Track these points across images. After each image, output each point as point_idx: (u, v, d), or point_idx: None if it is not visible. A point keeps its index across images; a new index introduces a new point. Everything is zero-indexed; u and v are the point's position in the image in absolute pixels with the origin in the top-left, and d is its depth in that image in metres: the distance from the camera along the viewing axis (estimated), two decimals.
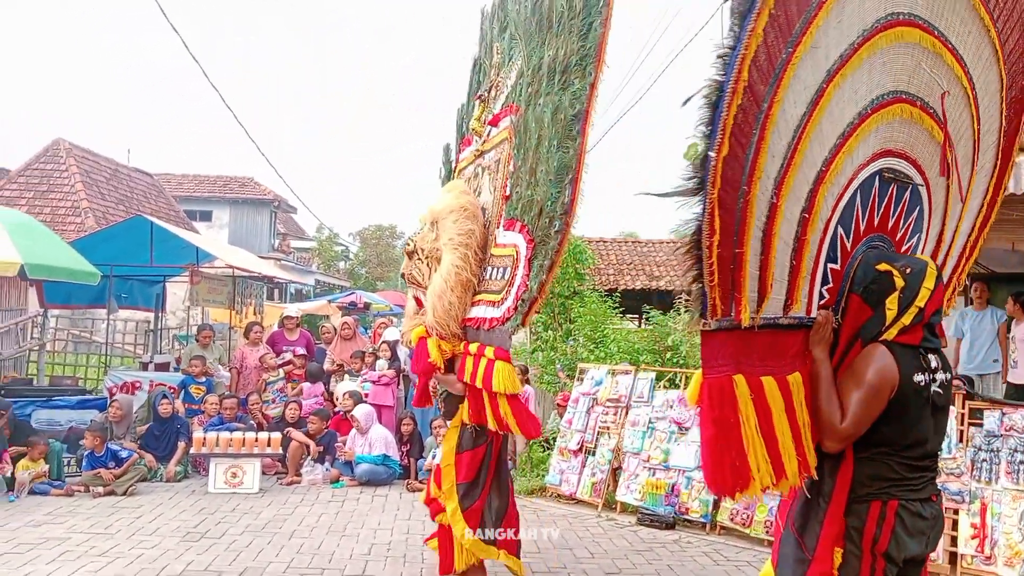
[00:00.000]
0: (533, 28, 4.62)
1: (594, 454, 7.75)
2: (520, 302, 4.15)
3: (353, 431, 8.50)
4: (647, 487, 7.16)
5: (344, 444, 8.52)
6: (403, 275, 5.16)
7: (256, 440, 7.97)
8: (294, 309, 13.00)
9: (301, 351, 10.17)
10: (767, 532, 6.43)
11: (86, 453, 7.81)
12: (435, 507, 5.05)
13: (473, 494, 4.76)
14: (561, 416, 8.80)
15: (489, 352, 4.34)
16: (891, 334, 2.72)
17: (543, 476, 8.25)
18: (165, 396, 8.72)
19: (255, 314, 14.02)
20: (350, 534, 6.37)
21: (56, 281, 9.70)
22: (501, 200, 4.67)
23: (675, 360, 9.75)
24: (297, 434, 8.56)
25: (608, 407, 7.86)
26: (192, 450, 8.12)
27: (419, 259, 4.94)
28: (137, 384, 9.49)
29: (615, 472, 7.59)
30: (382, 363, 9.70)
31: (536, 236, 4.15)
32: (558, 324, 13.85)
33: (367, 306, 23.14)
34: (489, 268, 4.67)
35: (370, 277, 44.81)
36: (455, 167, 5.94)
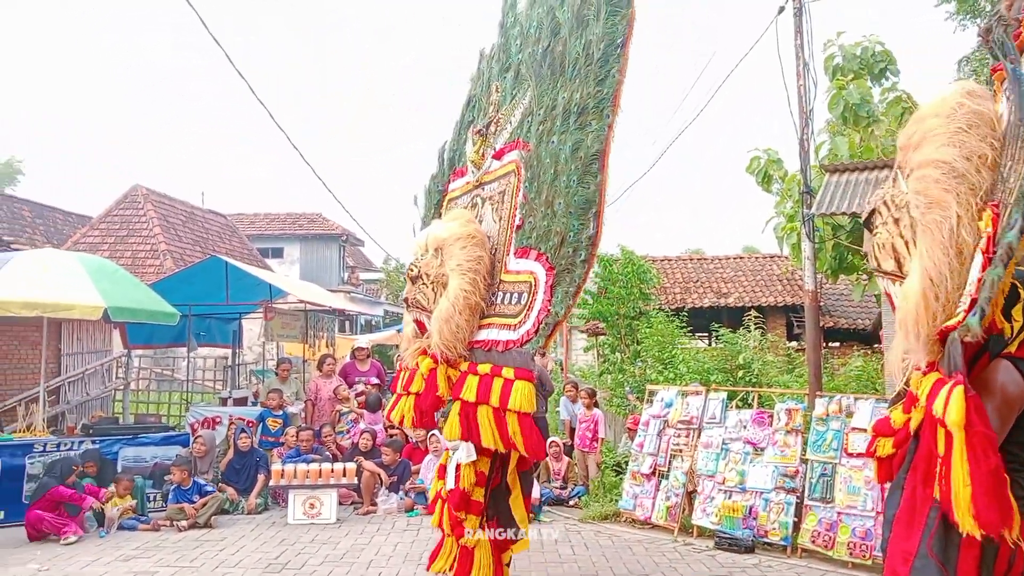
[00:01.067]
0: (545, 71, 5.02)
1: (667, 477, 7.66)
2: (543, 325, 4.48)
3: (427, 459, 8.58)
4: (723, 510, 7.03)
5: (418, 473, 8.61)
6: (406, 300, 5.22)
7: (332, 471, 8.12)
8: (365, 340, 13.25)
9: (374, 381, 10.35)
10: (850, 554, 6.24)
11: (172, 487, 8.07)
12: (459, 531, 4.99)
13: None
14: (632, 439, 8.73)
15: (508, 373, 4.58)
16: (1013, 347, 2.65)
17: (616, 501, 8.18)
18: (244, 430, 8.97)
19: (327, 347, 14.31)
20: (425, 563, 6.41)
21: (138, 323, 10.09)
22: (509, 229, 5.02)
23: (747, 379, 9.59)
24: (369, 464, 8.69)
25: (680, 429, 7.77)
26: (271, 482, 8.31)
27: (424, 284, 5.10)
28: (217, 419, 9.78)
29: (690, 495, 7.48)
30: None
31: (558, 264, 4.50)
32: (625, 346, 13.75)
33: None
34: (500, 293, 4.94)
35: None
36: (444, 197, 6.25)
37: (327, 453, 9.07)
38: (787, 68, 8.71)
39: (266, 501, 8.61)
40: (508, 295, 4.87)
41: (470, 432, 4.78)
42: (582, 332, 22.59)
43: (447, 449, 5.50)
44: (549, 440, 9.27)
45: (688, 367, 10.21)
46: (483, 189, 5.54)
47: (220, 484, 8.47)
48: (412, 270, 5.18)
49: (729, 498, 7.07)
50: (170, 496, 8.05)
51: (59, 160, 70.13)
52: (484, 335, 4.93)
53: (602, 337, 16.28)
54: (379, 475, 8.65)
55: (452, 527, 4.99)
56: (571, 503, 8.68)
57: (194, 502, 7.89)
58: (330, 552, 6.77)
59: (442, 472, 5.41)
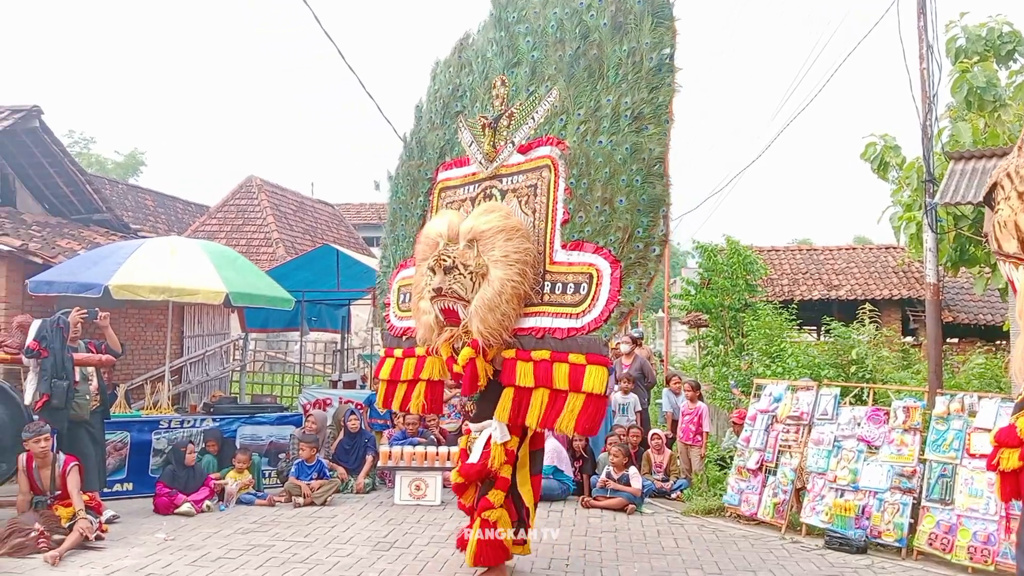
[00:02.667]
0: (580, 73, 5.23)
1: (775, 473, 7.48)
2: (612, 314, 4.84)
3: None
4: (835, 509, 6.82)
5: None
6: (437, 289, 5.30)
7: (437, 454, 8.30)
8: None
9: None
10: (971, 559, 5.96)
11: (297, 462, 8.41)
12: (484, 503, 5.38)
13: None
14: (737, 434, 8.57)
15: (577, 358, 4.94)
16: None
17: (720, 496, 8.06)
18: (353, 412, 9.26)
19: None
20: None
21: (256, 307, 10.56)
22: (550, 222, 5.28)
23: (860, 375, 9.26)
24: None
25: (789, 425, 7.57)
26: (379, 463, 8.57)
27: (460, 274, 5.26)
28: (328, 401, 10.14)
29: (798, 492, 7.29)
30: None
31: (626, 258, 4.85)
32: (729, 338, 13.50)
33: None
34: (548, 283, 5.22)
35: None
36: (433, 185, 6.35)
37: (432, 437, 9.27)
38: (909, 51, 8.34)
39: (374, 481, 8.88)
40: (560, 285, 5.16)
41: (519, 414, 5.19)
42: (683, 324, 22.28)
43: (467, 433, 5.81)
44: (651, 432, 9.20)
45: (797, 361, 9.93)
46: (501, 181, 5.72)
47: (331, 463, 8.78)
48: (445, 260, 5.30)
49: (841, 496, 6.85)
50: (292, 470, 8.38)
51: (178, 152, 73.87)
52: (533, 323, 5.23)
53: (704, 329, 16.02)
54: None
55: (478, 501, 5.39)
56: (673, 496, 8.60)
57: (313, 479, 8.21)
58: (435, 533, 6.93)
59: (463, 455, 5.75)
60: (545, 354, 5.10)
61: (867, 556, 6.39)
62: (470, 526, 5.57)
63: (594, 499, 8.07)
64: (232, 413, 9.20)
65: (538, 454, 5.86)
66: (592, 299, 4.95)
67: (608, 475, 8.09)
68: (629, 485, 7.96)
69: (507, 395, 5.28)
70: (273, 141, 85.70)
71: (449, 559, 6.11)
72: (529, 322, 5.25)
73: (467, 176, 6.06)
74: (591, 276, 4.99)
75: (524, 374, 5.16)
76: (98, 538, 6.37)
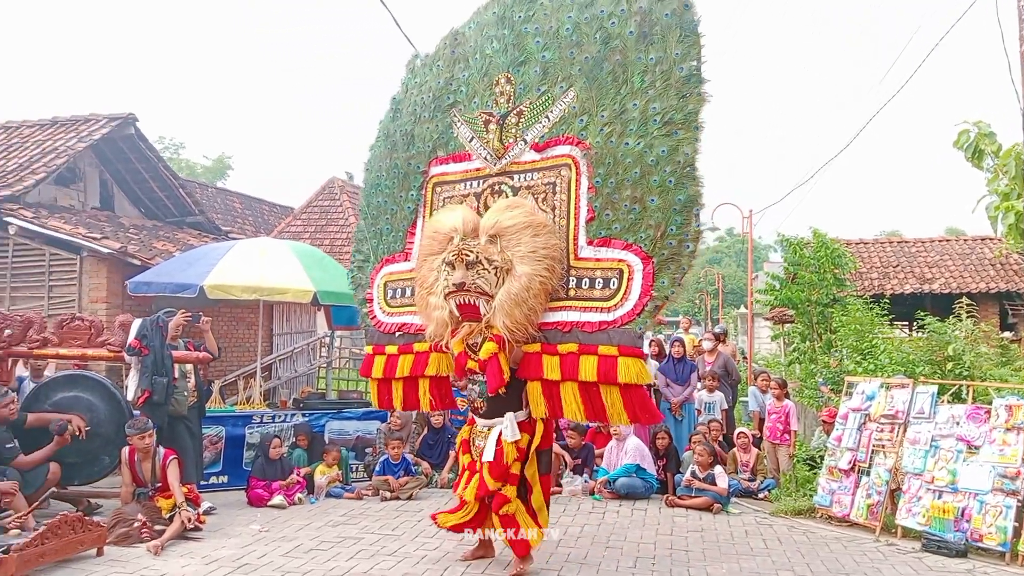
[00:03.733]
0: (604, 77, 5.33)
1: (868, 474, 7.25)
2: (645, 308, 5.03)
3: (610, 444, 8.61)
4: (932, 511, 6.57)
5: (602, 458, 8.67)
6: (460, 285, 5.32)
7: None
8: None
9: None
10: None
11: (383, 458, 8.58)
12: (499, 499, 5.47)
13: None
14: (827, 433, 8.34)
15: (607, 350, 5.07)
16: None
17: (810, 496, 7.85)
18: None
19: None
20: (614, 546, 6.46)
21: (341, 305, 10.79)
22: (573, 219, 5.39)
23: (958, 372, 8.86)
24: (555, 446, 8.81)
25: (883, 424, 7.33)
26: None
27: (484, 269, 5.30)
28: None
29: (893, 494, 7.04)
30: None
31: (658, 254, 5.04)
32: (817, 335, 13.12)
33: None
34: (574, 278, 5.34)
35: None
36: (427, 179, 6.25)
37: None
38: (1008, 33, 7.95)
39: (457, 476, 8.96)
40: (587, 280, 5.30)
41: (554, 408, 5.34)
42: (766, 320, 21.78)
43: (471, 424, 5.84)
44: (737, 431, 9.04)
45: (890, 358, 9.56)
46: (512, 178, 5.76)
47: (415, 458, 8.92)
48: (468, 255, 5.33)
49: (939, 498, 6.59)
50: (377, 468, 8.55)
51: (263, 155, 76.12)
52: (559, 317, 5.34)
53: (790, 325, 15.62)
54: (563, 457, 8.77)
55: (493, 498, 5.45)
56: (760, 496, 8.43)
57: (399, 476, 8.35)
58: None
59: (465, 446, 5.84)
60: (572, 347, 5.24)
61: (967, 560, 6.14)
62: (471, 524, 5.75)
63: (678, 498, 7.97)
64: (320, 408, 9.45)
65: (545, 454, 5.82)
66: (624, 293, 5.13)
67: (693, 474, 7.98)
68: (715, 484, 7.83)
69: (535, 390, 5.42)
70: (355, 142, 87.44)
71: (533, 554, 6.12)
72: (554, 317, 5.38)
73: (467, 172, 6.05)
74: (621, 271, 5.18)
75: (551, 368, 5.30)
76: (196, 529, 6.62)
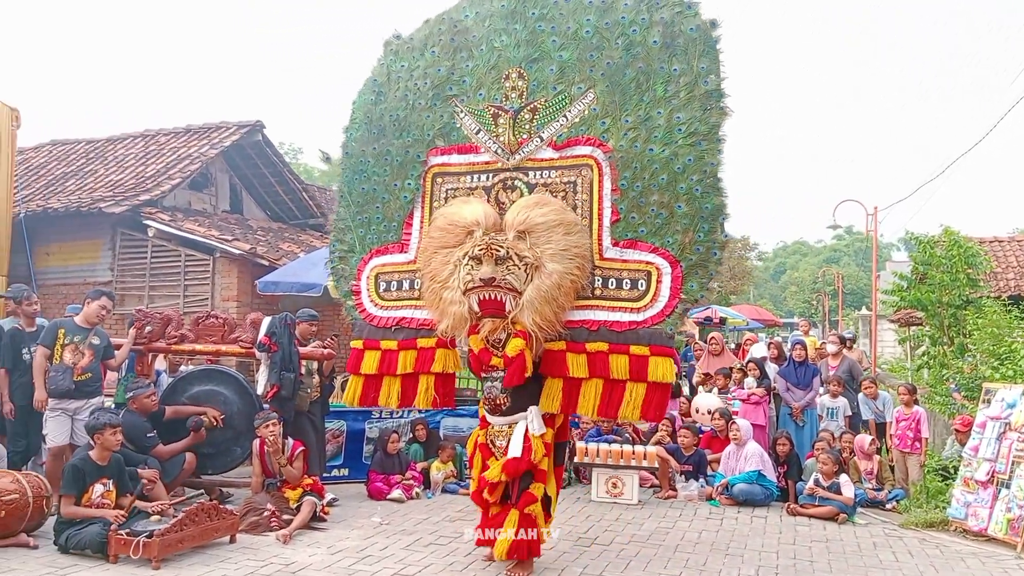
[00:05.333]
0: (628, 83, 5.45)
1: (1008, 486, 6.82)
2: (675, 309, 5.24)
3: (728, 448, 8.42)
4: None
5: (719, 463, 8.48)
6: (490, 279, 5.18)
7: (633, 453, 8.26)
8: None
9: None
10: None
11: None
12: (528, 497, 5.38)
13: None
14: (961, 442, 7.90)
15: (639, 350, 5.25)
16: None
17: (943, 508, 7.45)
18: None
19: None
20: (733, 553, 6.32)
21: None
22: (596, 219, 5.47)
23: None
24: (661, 450, 8.67)
25: None
26: (575, 459, 8.65)
27: (515, 264, 5.24)
28: None
29: None
30: (751, 381, 9.52)
31: (686, 259, 5.26)
32: (948, 338, 12.43)
33: (723, 320, 22.77)
34: (599, 278, 5.43)
35: (723, 291, 44.06)
36: (427, 169, 6.07)
37: (627, 435, 9.23)
38: None
39: (569, 476, 8.97)
40: (614, 280, 5.41)
41: (569, 404, 5.40)
42: (891, 322, 20.81)
43: (488, 425, 5.63)
44: (864, 437, 8.66)
45: None
46: (527, 174, 5.74)
47: None
48: (498, 250, 5.24)
49: None
50: None
51: None
52: (586, 315, 5.42)
53: (917, 328, 14.88)
54: (669, 461, 8.59)
55: (521, 496, 5.36)
56: (888, 506, 8.06)
57: None
58: (635, 532, 6.90)
59: (485, 451, 5.61)
60: (602, 346, 5.34)
61: None
62: (491, 523, 5.54)
63: (801, 506, 7.71)
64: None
65: (561, 447, 5.93)
66: (654, 295, 5.30)
67: (816, 482, 7.70)
68: (840, 493, 7.53)
69: (554, 386, 5.45)
70: None
71: (652, 559, 6.06)
72: (579, 315, 5.43)
73: (474, 164, 5.94)
74: (649, 273, 5.33)
75: (577, 365, 5.37)
76: (321, 519, 6.87)
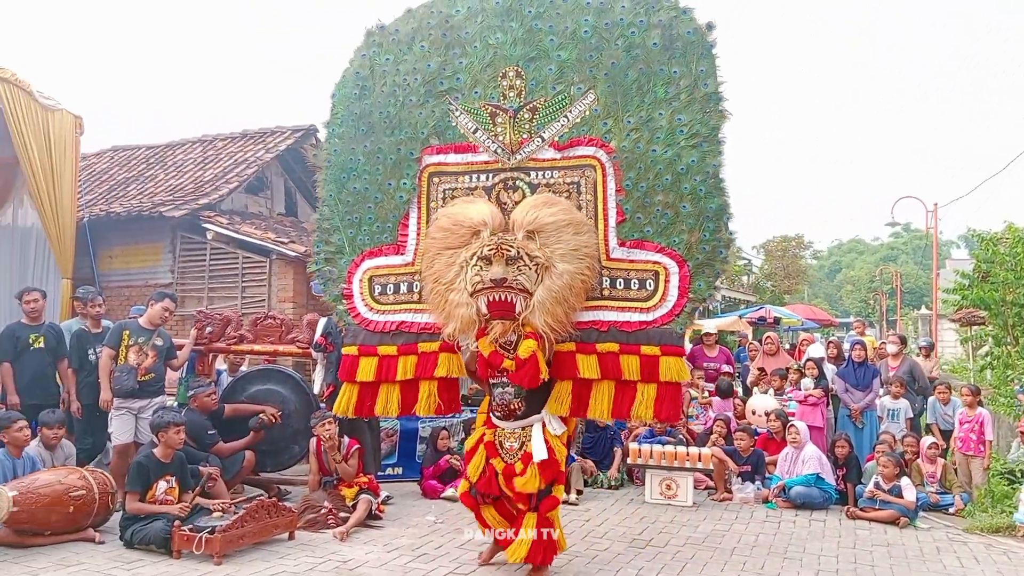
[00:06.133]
0: (630, 85, 5.48)
1: None
2: (684, 308, 5.30)
3: (785, 451, 8.28)
4: None
5: (776, 465, 8.36)
6: (501, 280, 5.07)
7: (687, 455, 8.18)
8: (712, 325, 13.11)
9: (725, 368, 10.23)
10: None
11: None
12: (550, 501, 5.34)
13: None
14: None
15: (649, 350, 5.28)
16: None
17: (1010, 513, 7.24)
18: None
19: None
20: (792, 557, 6.21)
21: None
22: (601, 219, 5.47)
23: None
24: (718, 451, 8.57)
25: None
26: (629, 460, 8.60)
27: (526, 265, 5.16)
28: None
29: None
30: (808, 382, 9.35)
31: (693, 259, 5.32)
32: (1013, 338, 12.05)
33: (777, 320, 22.41)
34: (607, 278, 5.44)
35: (777, 290, 43.38)
36: (422, 168, 5.92)
37: (680, 436, 9.15)
38: None
39: (622, 477, 8.93)
40: (622, 280, 5.44)
41: (578, 407, 5.36)
42: (952, 321, 20.26)
43: (491, 427, 5.46)
44: (926, 440, 8.44)
45: None
46: (528, 175, 5.69)
47: (579, 458, 8.93)
48: (509, 250, 5.14)
49: None
50: None
51: None
52: (595, 316, 5.41)
53: (979, 327, 14.45)
54: (727, 463, 8.49)
55: (542, 501, 5.28)
56: (951, 511, 7.85)
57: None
58: (690, 535, 6.83)
59: (491, 449, 5.43)
60: (613, 346, 5.34)
61: None
62: (513, 523, 5.44)
63: (861, 510, 7.55)
64: None
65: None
66: (662, 295, 5.35)
67: (877, 485, 7.53)
68: (901, 497, 7.36)
69: (564, 388, 5.39)
70: None
71: (708, 562, 6.00)
72: (588, 316, 5.42)
73: (472, 164, 5.81)
74: (656, 273, 5.38)
75: (588, 367, 5.33)
76: (376, 517, 6.95)
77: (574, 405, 5.39)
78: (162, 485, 6.19)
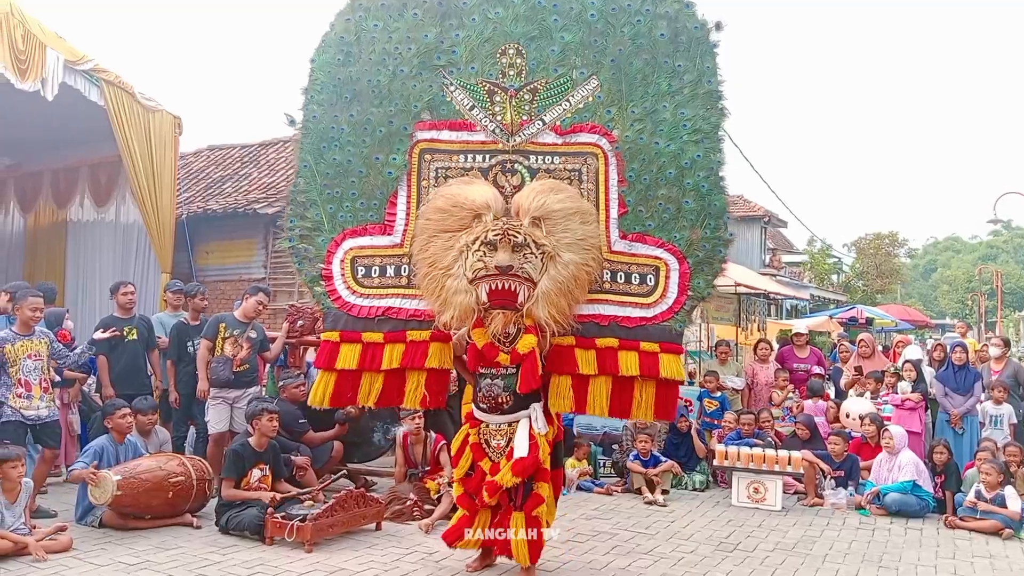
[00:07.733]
0: (635, 75, 5.30)
1: None
2: (683, 306, 5.20)
3: (880, 456, 7.99)
4: None
5: (870, 471, 8.07)
6: (507, 268, 4.83)
7: (777, 458, 7.97)
8: (803, 326, 12.79)
9: (816, 369, 9.94)
10: None
11: (632, 454, 8.58)
12: (535, 499, 5.09)
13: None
14: None
15: (649, 346, 5.14)
16: None
17: None
18: (682, 414, 9.13)
19: (759, 330, 14.15)
20: (887, 566, 5.99)
21: None
22: (602, 210, 5.29)
23: None
24: (808, 454, 8.32)
25: None
26: (715, 462, 8.44)
27: (532, 252, 4.94)
28: None
29: None
30: (904, 385, 9.00)
31: (693, 255, 5.22)
32: None
33: (869, 321, 21.67)
34: (608, 272, 5.27)
35: (869, 290, 41.94)
36: (413, 143, 5.50)
37: (769, 439, 8.93)
38: None
39: (707, 479, 8.78)
40: (623, 275, 5.28)
41: (579, 403, 5.20)
42: None
43: (476, 424, 5.19)
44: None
45: None
46: (528, 158, 5.43)
47: (664, 459, 8.81)
48: (516, 236, 4.88)
49: None
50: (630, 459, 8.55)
51: None
52: (596, 310, 5.25)
53: None
54: (818, 465, 8.24)
55: (527, 499, 5.06)
56: None
57: (648, 470, 8.30)
58: (780, 540, 6.66)
59: (477, 451, 5.14)
60: (612, 342, 5.17)
61: None
62: (500, 523, 5.13)
63: (960, 519, 7.22)
64: None
65: (558, 447, 5.58)
66: (663, 290, 5.22)
67: (978, 494, 7.19)
68: (1005, 507, 7.01)
69: (563, 384, 5.20)
70: None
71: (799, 568, 5.84)
72: (588, 309, 5.25)
73: (468, 143, 5.46)
74: (657, 268, 5.25)
75: (586, 362, 5.16)
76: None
77: (575, 401, 5.20)
78: (256, 473, 6.40)
